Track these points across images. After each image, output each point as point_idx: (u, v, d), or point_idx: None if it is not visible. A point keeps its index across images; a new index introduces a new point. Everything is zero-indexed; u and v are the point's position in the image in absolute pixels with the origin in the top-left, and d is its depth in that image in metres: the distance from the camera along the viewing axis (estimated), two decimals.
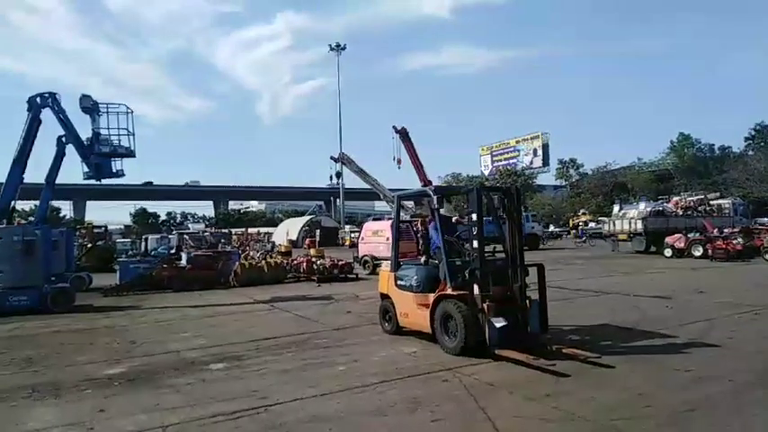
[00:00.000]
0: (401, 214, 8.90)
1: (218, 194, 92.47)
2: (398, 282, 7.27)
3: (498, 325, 5.62)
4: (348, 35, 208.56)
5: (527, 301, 6.15)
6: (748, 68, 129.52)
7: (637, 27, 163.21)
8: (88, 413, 4.54)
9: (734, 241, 19.81)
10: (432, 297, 6.50)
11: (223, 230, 38.81)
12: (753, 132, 57.34)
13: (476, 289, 5.91)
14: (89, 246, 24.77)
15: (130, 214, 75.18)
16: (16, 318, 10.24)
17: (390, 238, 12.11)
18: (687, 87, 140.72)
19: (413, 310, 6.93)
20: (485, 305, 5.77)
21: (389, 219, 21.09)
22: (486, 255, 6.20)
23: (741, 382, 4.91)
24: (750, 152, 55.37)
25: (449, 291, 6.28)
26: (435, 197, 6.83)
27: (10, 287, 11.01)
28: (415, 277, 6.95)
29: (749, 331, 7.29)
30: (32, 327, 9.43)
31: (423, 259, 7.21)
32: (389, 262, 7.81)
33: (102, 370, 6.09)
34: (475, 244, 6.05)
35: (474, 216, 6.16)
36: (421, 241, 10.53)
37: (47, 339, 8.31)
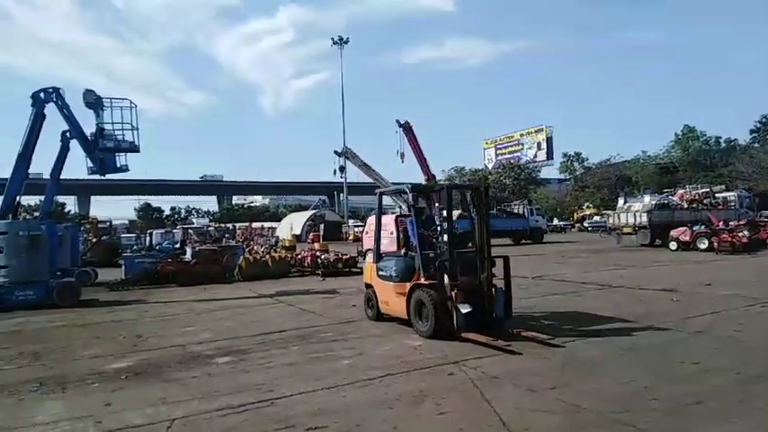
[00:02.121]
0: (403, 208, 9.20)
1: (222, 189, 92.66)
2: (380, 272, 7.83)
3: (464, 311, 6.24)
4: (351, 28, 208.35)
5: (493, 290, 6.71)
6: (754, 60, 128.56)
7: (642, 18, 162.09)
8: (95, 407, 4.56)
9: (739, 234, 19.72)
10: (408, 286, 7.07)
11: (227, 225, 38.90)
12: (758, 125, 56.86)
13: (445, 278, 6.50)
14: (94, 241, 24.83)
15: (135, 209, 75.37)
16: (22, 312, 10.28)
17: (394, 232, 12.14)
18: (692, 79, 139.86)
19: (392, 298, 7.49)
20: (453, 293, 6.39)
21: (393, 213, 21.11)
22: (458, 247, 6.83)
23: (748, 375, 4.89)
24: (756, 144, 54.94)
25: (422, 280, 6.87)
26: (411, 194, 7.60)
27: (16, 282, 11.05)
28: (394, 268, 7.51)
29: (756, 324, 7.26)
30: (39, 321, 9.48)
31: (402, 251, 7.68)
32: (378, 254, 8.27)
33: (108, 364, 6.12)
34: (445, 238, 6.66)
35: (444, 212, 6.77)
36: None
37: (53, 334, 8.36)
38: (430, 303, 6.54)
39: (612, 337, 6.56)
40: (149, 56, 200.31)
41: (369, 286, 8.31)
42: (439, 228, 7.27)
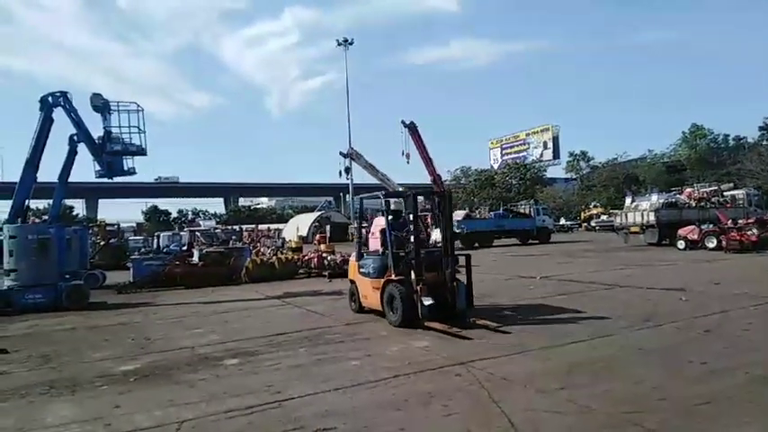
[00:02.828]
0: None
1: (229, 191, 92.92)
2: (360, 269, 8.73)
3: (427, 303, 7.06)
4: (357, 29, 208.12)
5: (455, 284, 7.53)
6: (762, 56, 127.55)
7: (647, 17, 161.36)
8: (104, 409, 4.59)
9: (748, 232, 19.53)
10: (382, 281, 7.89)
11: (234, 227, 39.00)
12: (767, 122, 56.31)
13: (412, 275, 7.35)
14: (102, 244, 24.97)
15: (142, 212, 75.80)
16: (32, 315, 10.36)
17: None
18: (700, 77, 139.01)
19: (370, 293, 8.30)
20: (418, 287, 7.20)
21: None
22: (427, 247, 8.07)
23: (757, 375, 4.85)
24: (764, 142, 54.32)
25: (393, 276, 7.69)
26: (383, 199, 8.49)
27: (25, 285, 11.13)
28: (372, 266, 8.35)
29: (765, 323, 7.20)
30: (48, 324, 9.55)
31: (381, 251, 8.42)
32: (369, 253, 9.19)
33: (117, 366, 6.16)
34: (411, 238, 7.48)
35: (411, 216, 7.60)
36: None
37: (62, 336, 8.42)
38: (398, 296, 7.41)
39: (620, 337, 6.53)
40: (155, 58, 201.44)
41: (352, 282, 9.18)
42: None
